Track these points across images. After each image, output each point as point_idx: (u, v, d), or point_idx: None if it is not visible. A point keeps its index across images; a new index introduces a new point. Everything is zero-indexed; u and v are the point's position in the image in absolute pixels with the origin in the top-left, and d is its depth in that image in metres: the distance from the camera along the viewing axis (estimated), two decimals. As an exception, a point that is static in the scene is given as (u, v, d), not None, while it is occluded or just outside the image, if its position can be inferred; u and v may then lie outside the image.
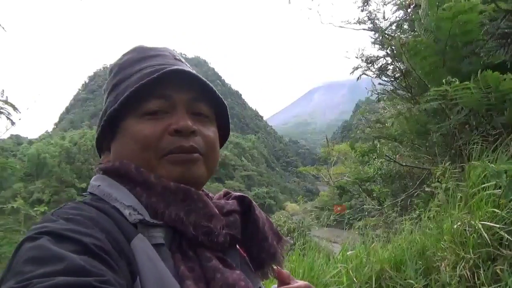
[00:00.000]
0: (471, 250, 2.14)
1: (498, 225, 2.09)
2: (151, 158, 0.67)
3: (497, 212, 2.16)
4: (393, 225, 4.51)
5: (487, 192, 2.32)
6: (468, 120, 3.39)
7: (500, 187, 2.28)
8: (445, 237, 2.38)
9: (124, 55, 0.79)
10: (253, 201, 0.77)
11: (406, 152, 5.43)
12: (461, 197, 2.54)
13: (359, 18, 6.02)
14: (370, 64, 5.63)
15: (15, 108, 3.09)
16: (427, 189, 3.55)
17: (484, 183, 2.40)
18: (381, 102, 6.47)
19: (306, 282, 0.73)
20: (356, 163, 7.38)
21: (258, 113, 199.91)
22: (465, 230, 2.24)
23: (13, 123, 3.14)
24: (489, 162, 2.55)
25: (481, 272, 2.05)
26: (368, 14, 6.03)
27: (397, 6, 5.33)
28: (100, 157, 0.77)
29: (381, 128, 5.59)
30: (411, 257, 2.55)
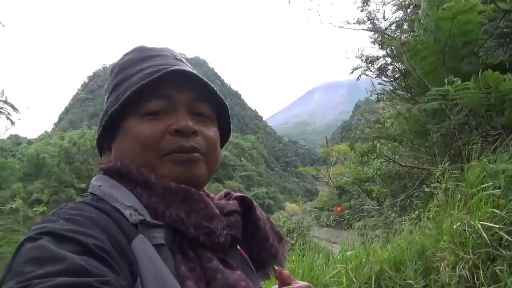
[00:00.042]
0: (470, 251, 2.14)
1: (497, 226, 2.09)
2: (152, 158, 0.67)
3: (497, 213, 2.16)
4: (392, 226, 4.51)
5: (487, 192, 2.32)
6: (468, 121, 3.39)
7: (499, 188, 2.28)
8: (444, 238, 2.38)
9: (125, 55, 0.79)
10: (254, 202, 0.77)
11: (406, 152, 5.43)
12: (460, 197, 2.54)
13: (358, 19, 6.02)
14: (370, 64, 5.64)
15: (14, 108, 3.09)
16: (426, 189, 3.54)
17: (484, 184, 2.40)
18: (381, 102, 6.48)
19: (307, 283, 0.73)
20: (356, 163, 7.37)
21: (257, 113, 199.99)
22: (465, 230, 2.24)
23: (12, 123, 3.14)
24: (488, 162, 2.55)
25: (481, 273, 2.05)
26: (367, 15, 6.03)
27: (396, 7, 5.34)
28: (101, 157, 0.77)
29: (381, 128, 5.59)
30: (410, 258, 2.54)
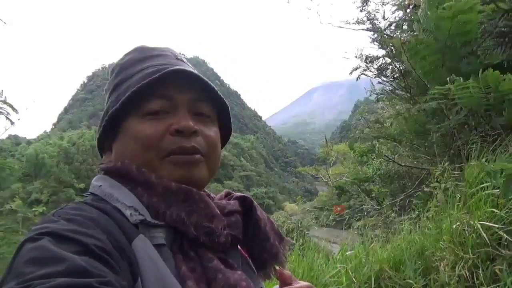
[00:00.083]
0: (470, 250, 2.14)
1: (497, 225, 2.09)
2: (153, 158, 0.67)
3: (496, 212, 2.16)
4: (392, 225, 4.52)
5: (486, 192, 2.32)
6: (467, 121, 3.39)
7: (499, 187, 2.28)
8: (444, 237, 2.38)
9: (125, 55, 0.79)
10: (255, 202, 0.77)
11: (405, 152, 5.44)
12: (460, 197, 2.55)
13: (358, 19, 6.03)
14: (369, 64, 5.64)
15: (13, 109, 3.08)
16: (426, 189, 3.55)
17: (483, 183, 2.40)
18: (380, 102, 6.48)
19: (308, 283, 0.73)
20: (355, 163, 7.38)
21: (257, 113, 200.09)
22: (464, 230, 2.24)
23: (12, 123, 3.13)
24: (487, 162, 2.55)
25: (480, 272, 2.05)
26: (367, 15, 6.04)
27: (396, 7, 5.34)
28: (102, 157, 0.77)
29: (380, 128, 5.59)
30: (410, 257, 2.55)
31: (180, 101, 0.70)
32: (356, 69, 5.76)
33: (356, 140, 6.60)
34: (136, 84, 0.67)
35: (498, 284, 1.98)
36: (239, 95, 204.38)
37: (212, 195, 0.77)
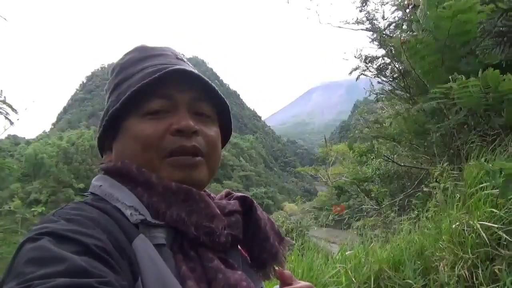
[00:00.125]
0: (469, 250, 2.15)
1: (496, 225, 2.10)
2: (153, 158, 0.66)
3: (495, 212, 2.17)
4: (391, 225, 4.52)
5: (485, 192, 2.33)
6: (467, 120, 3.40)
7: (498, 187, 2.28)
8: (443, 237, 2.38)
9: (126, 54, 0.79)
10: (255, 201, 0.76)
11: (404, 152, 5.44)
12: (459, 197, 2.55)
13: (357, 19, 6.03)
14: (369, 64, 5.64)
15: (13, 109, 3.08)
16: (425, 189, 3.55)
17: (482, 183, 2.40)
18: (379, 102, 6.49)
19: (308, 283, 0.73)
20: (354, 163, 7.38)
21: (256, 113, 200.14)
22: (464, 230, 2.24)
23: (11, 123, 3.13)
24: (486, 162, 2.55)
25: (480, 272, 2.05)
26: (366, 15, 6.04)
27: (395, 7, 5.34)
28: (102, 156, 0.77)
29: (379, 128, 5.60)
30: (409, 257, 2.55)
31: (181, 101, 0.70)
32: (355, 69, 5.77)
33: (355, 140, 6.60)
34: (136, 83, 0.67)
35: (497, 284, 1.98)
36: (238, 95, 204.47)
37: (212, 195, 0.77)
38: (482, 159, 2.63)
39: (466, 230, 2.22)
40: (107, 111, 0.72)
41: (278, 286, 0.74)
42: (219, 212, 0.66)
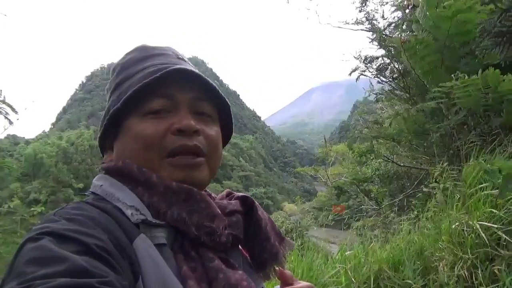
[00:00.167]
0: (469, 250, 2.15)
1: (496, 225, 2.10)
2: (154, 157, 0.66)
3: (495, 212, 2.17)
4: (391, 225, 4.52)
5: (485, 192, 2.33)
6: (466, 121, 3.40)
7: (497, 188, 2.29)
8: (443, 237, 2.38)
9: (127, 54, 0.79)
10: (256, 202, 0.76)
11: (404, 153, 5.44)
12: (459, 197, 2.55)
13: (357, 19, 6.04)
14: (369, 64, 5.65)
15: (12, 109, 3.07)
16: (425, 189, 3.55)
17: (482, 184, 2.40)
18: (379, 102, 6.49)
19: (309, 283, 0.73)
20: (354, 163, 7.38)
21: (256, 113, 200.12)
22: (463, 230, 2.25)
23: (11, 123, 3.12)
24: (486, 162, 2.55)
25: (479, 272, 2.06)
26: (366, 15, 6.05)
27: (395, 7, 5.35)
28: (103, 156, 0.77)
29: (379, 128, 5.60)
30: (409, 257, 2.55)
31: (181, 100, 0.70)
32: (355, 70, 5.77)
33: (355, 139, 6.61)
34: (137, 83, 0.67)
35: (497, 284, 1.98)
36: (238, 95, 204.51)
37: (213, 195, 0.77)
38: (481, 159, 2.63)
39: (466, 231, 2.23)
40: (108, 110, 0.72)
41: (278, 286, 0.74)
42: (220, 212, 0.66)
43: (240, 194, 0.77)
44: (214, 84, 0.72)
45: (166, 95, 0.69)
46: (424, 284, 2.35)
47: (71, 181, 54.12)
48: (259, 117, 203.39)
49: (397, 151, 5.64)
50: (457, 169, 3.08)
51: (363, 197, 6.29)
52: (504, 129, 3.01)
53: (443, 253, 2.33)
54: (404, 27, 5.02)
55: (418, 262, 2.51)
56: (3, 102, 3.04)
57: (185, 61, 0.78)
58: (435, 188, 3.03)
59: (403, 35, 4.83)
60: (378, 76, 5.73)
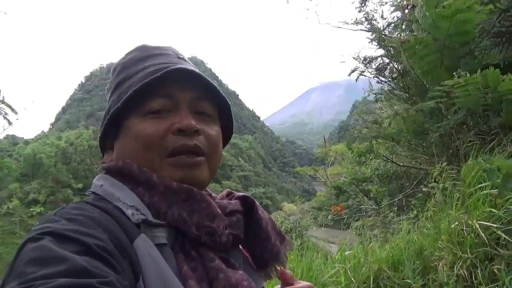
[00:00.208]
0: (468, 250, 2.15)
1: (495, 225, 2.10)
2: (154, 157, 0.66)
3: (494, 212, 2.17)
4: (390, 225, 4.53)
5: (484, 192, 2.33)
6: (466, 120, 3.40)
7: (497, 187, 2.29)
8: (442, 237, 2.39)
9: (127, 54, 0.79)
10: (256, 201, 0.76)
11: (403, 152, 5.45)
12: (458, 197, 2.55)
13: (356, 19, 6.04)
14: (368, 65, 5.65)
15: (12, 109, 3.07)
16: (424, 189, 3.56)
17: (481, 183, 2.41)
18: (378, 102, 6.50)
19: (309, 283, 0.73)
20: (353, 163, 7.39)
21: (255, 113, 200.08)
22: (463, 230, 2.25)
23: (10, 123, 3.12)
24: (485, 162, 2.56)
25: (479, 272, 2.06)
26: (365, 15, 6.06)
27: (394, 7, 5.35)
28: (103, 156, 0.77)
29: (378, 128, 5.60)
30: (408, 257, 2.55)
31: (182, 100, 0.70)
32: (354, 70, 5.77)
33: (354, 139, 6.61)
34: (137, 83, 0.67)
35: (496, 284, 1.99)
36: (237, 95, 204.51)
37: (213, 194, 0.77)
38: (480, 159, 2.63)
39: (465, 230, 2.23)
40: (109, 110, 0.72)
41: (279, 286, 0.74)
42: (220, 212, 0.66)
43: (241, 194, 0.77)
44: (215, 84, 0.72)
45: (167, 95, 0.69)
46: (423, 284, 2.35)
47: (70, 181, 54.08)
48: (258, 117, 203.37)
49: (396, 151, 5.65)
50: (456, 169, 3.08)
51: (363, 197, 6.30)
52: (503, 129, 3.01)
53: (443, 253, 2.33)
54: (403, 27, 5.02)
55: (418, 262, 2.51)
56: (2, 102, 3.03)
57: (185, 60, 0.78)
58: (434, 188, 3.03)
59: (402, 35, 4.84)
60: (378, 76, 5.73)
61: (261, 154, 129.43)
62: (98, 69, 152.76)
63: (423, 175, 4.59)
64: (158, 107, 0.68)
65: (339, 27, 6.34)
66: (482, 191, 2.35)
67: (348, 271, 2.64)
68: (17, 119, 3.16)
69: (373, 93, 6.13)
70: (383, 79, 5.78)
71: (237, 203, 0.73)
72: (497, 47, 3.41)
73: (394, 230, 3.83)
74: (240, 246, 0.74)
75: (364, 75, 5.78)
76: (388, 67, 5.57)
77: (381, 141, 5.58)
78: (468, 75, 2.78)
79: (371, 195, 6.09)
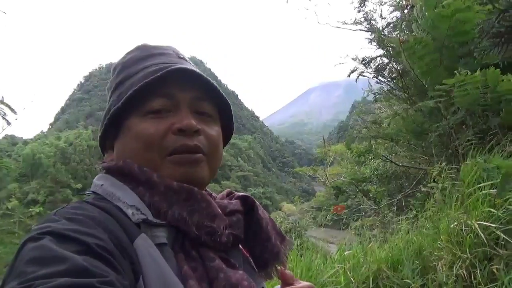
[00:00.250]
0: (467, 250, 2.15)
1: (494, 225, 2.10)
2: (155, 157, 0.66)
3: (493, 212, 2.17)
4: (389, 225, 4.53)
5: (483, 192, 2.33)
6: (465, 120, 3.41)
7: (496, 187, 2.29)
8: (441, 237, 2.39)
9: (127, 53, 0.78)
10: (256, 201, 0.76)
11: (403, 152, 5.45)
12: (457, 197, 2.56)
13: (355, 19, 6.05)
14: (367, 65, 5.66)
15: (11, 109, 3.06)
16: (423, 189, 3.56)
17: (480, 183, 2.41)
18: (378, 102, 6.50)
19: (309, 283, 0.73)
20: (353, 163, 7.40)
21: (254, 113, 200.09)
22: (462, 229, 2.25)
23: (8, 123, 3.11)
24: (484, 161, 2.56)
25: (478, 272, 2.06)
26: (364, 15, 6.06)
27: (393, 7, 5.36)
28: (104, 155, 0.77)
29: (378, 128, 5.60)
30: (408, 257, 2.55)
31: (182, 100, 0.70)
32: (353, 71, 5.77)
33: (353, 139, 6.62)
34: (138, 82, 0.67)
35: (495, 284, 1.99)
36: (237, 95, 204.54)
37: (214, 194, 0.77)
38: (479, 158, 2.63)
39: (464, 230, 2.23)
40: (109, 110, 0.72)
41: (279, 286, 0.74)
42: (220, 211, 0.66)
43: (241, 193, 0.77)
44: (215, 84, 0.72)
45: (167, 94, 0.69)
46: (423, 284, 2.35)
47: (69, 181, 54.03)
48: (258, 117, 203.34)
49: (395, 151, 5.65)
50: (456, 169, 3.08)
51: (362, 197, 6.30)
52: (502, 129, 3.02)
53: (442, 253, 2.33)
54: (402, 27, 5.03)
55: (417, 262, 2.51)
56: (2, 102, 3.03)
57: (186, 60, 0.78)
58: (433, 188, 3.03)
59: (401, 35, 4.84)
60: (377, 76, 5.73)
61: (260, 154, 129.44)
62: (97, 69, 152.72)
63: (422, 175, 4.60)
64: (158, 107, 0.68)
65: (338, 27, 6.36)
66: (481, 191, 2.35)
67: (348, 271, 2.64)
68: (16, 119, 3.15)
69: (373, 93, 6.13)
70: (382, 79, 5.79)
71: (237, 203, 0.73)
72: (496, 48, 3.42)
73: (393, 230, 3.84)
74: (240, 246, 0.74)
75: (363, 76, 5.79)
76: (387, 67, 5.57)
77: (380, 141, 5.58)
78: (468, 73, 2.78)
79: (370, 195, 6.10)
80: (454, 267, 2.18)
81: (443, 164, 3.15)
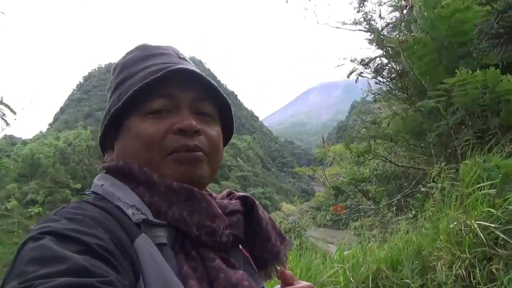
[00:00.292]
0: (467, 250, 2.15)
1: (493, 225, 2.10)
2: (155, 157, 0.66)
3: (493, 212, 2.17)
4: (389, 225, 4.53)
5: (482, 192, 2.34)
6: (464, 121, 3.41)
7: (495, 187, 2.29)
8: (441, 237, 2.39)
9: (127, 53, 0.78)
10: (256, 201, 0.77)
11: (402, 152, 5.46)
12: (456, 197, 2.56)
13: (355, 19, 6.06)
14: (367, 65, 5.66)
15: (11, 109, 3.06)
16: (422, 189, 3.56)
17: (480, 183, 2.41)
18: (377, 102, 6.51)
19: (309, 283, 0.73)
20: (352, 163, 7.40)
21: (253, 113, 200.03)
22: (461, 229, 2.25)
23: (7, 124, 3.11)
24: (483, 161, 2.56)
25: (477, 272, 2.06)
26: (363, 15, 6.07)
27: (392, 8, 5.36)
28: (104, 155, 0.77)
29: (377, 128, 5.61)
30: (407, 257, 2.55)
31: (183, 100, 0.70)
32: (353, 71, 5.77)
33: (352, 139, 6.63)
34: (138, 83, 0.67)
35: (495, 284, 1.99)
36: (236, 95, 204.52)
37: (214, 194, 0.77)
38: (478, 158, 2.64)
39: (464, 230, 2.23)
40: (109, 110, 0.72)
41: (279, 286, 0.74)
42: (220, 211, 0.66)
43: (241, 193, 0.77)
44: (215, 84, 0.72)
45: (167, 95, 0.69)
46: (422, 284, 2.35)
47: (68, 181, 53.93)
48: (257, 117, 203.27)
49: (395, 151, 5.66)
50: (455, 169, 3.08)
51: (361, 197, 6.30)
52: (501, 129, 3.02)
53: (441, 253, 2.34)
54: (402, 27, 5.03)
55: (416, 262, 2.51)
56: (1, 102, 3.02)
57: (186, 60, 0.78)
58: (432, 188, 3.04)
59: (401, 35, 4.85)
60: (376, 76, 5.74)
61: (260, 154, 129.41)
62: (97, 69, 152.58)
63: (421, 175, 4.60)
64: (158, 107, 0.68)
65: (337, 28, 6.36)
66: (480, 191, 2.36)
67: (347, 271, 2.64)
68: (15, 119, 3.15)
69: (372, 93, 6.13)
70: (381, 79, 5.79)
71: (237, 203, 0.73)
72: (496, 49, 3.42)
73: (392, 230, 3.84)
74: (240, 246, 0.74)
75: (362, 76, 5.79)
76: (387, 67, 5.57)
77: (379, 141, 5.58)
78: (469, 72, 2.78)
79: (370, 195, 6.10)
80: (454, 267, 2.18)
81: (443, 164, 3.16)
